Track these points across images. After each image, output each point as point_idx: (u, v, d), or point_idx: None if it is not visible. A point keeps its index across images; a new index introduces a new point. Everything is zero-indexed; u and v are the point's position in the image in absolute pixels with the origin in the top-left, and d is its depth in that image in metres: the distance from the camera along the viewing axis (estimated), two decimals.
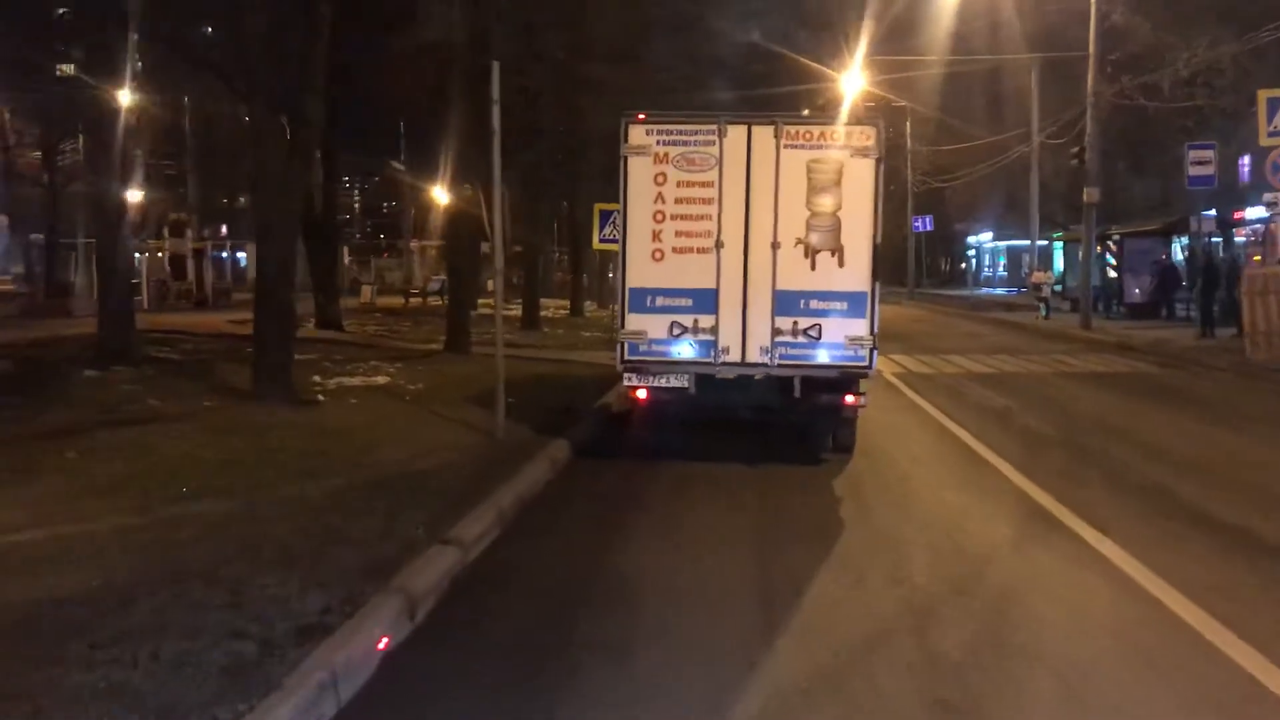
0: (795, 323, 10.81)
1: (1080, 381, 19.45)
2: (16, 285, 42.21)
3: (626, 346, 11.04)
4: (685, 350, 10.97)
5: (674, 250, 10.94)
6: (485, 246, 50.84)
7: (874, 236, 10.78)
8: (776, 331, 10.83)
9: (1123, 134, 39.09)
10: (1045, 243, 45.78)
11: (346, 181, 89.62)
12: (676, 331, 10.94)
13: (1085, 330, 29.73)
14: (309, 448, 10.79)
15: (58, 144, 37.91)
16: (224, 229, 64.65)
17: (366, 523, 7.87)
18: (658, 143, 10.90)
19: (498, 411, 11.91)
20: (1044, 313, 34.89)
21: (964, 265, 77.45)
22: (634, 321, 11.01)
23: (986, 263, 71.70)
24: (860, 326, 10.79)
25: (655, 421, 11.75)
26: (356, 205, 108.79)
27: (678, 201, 10.90)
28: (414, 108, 27.42)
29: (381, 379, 16.94)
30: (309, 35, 13.19)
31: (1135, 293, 34.81)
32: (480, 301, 43.73)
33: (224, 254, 55.15)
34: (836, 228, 10.78)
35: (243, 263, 62.60)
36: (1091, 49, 31.00)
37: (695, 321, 10.92)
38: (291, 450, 10.64)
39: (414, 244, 57.04)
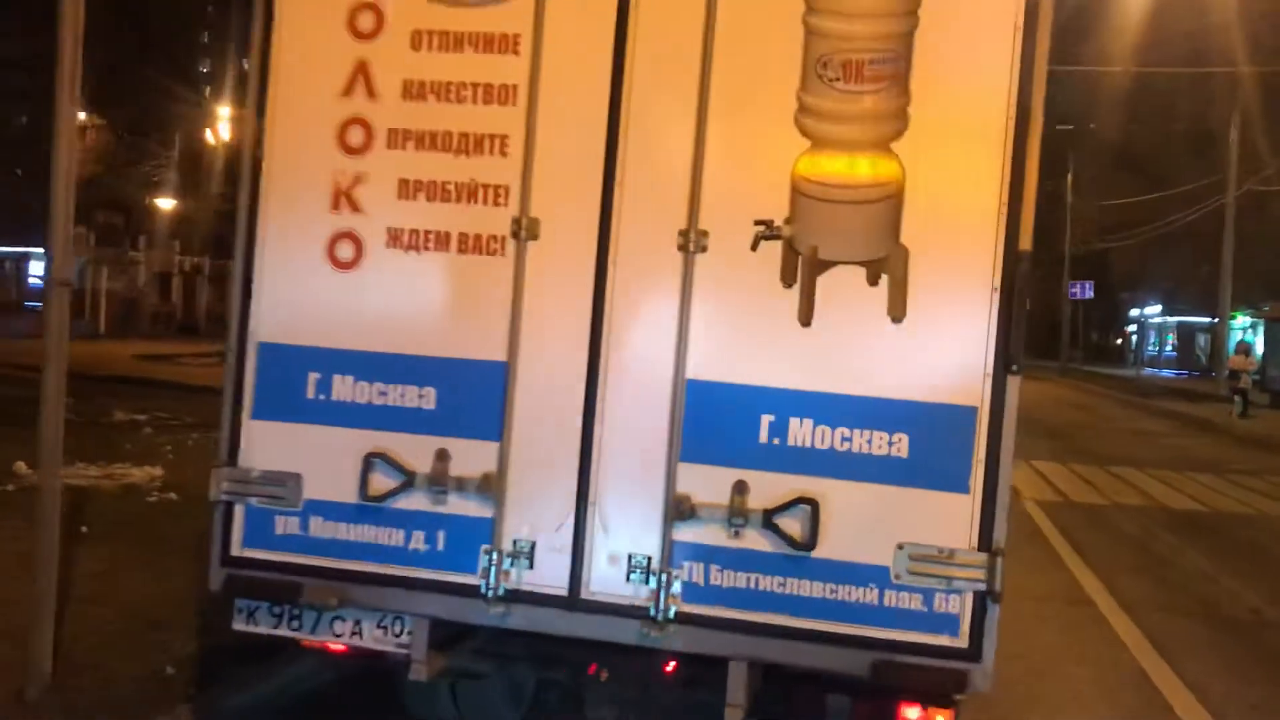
0: (739, 486, 3.41)
1: None
2: None
3: (243, 517, 3.71)
4: (408, 541, 3.60)
5: (393, 241, 3.66)
6: None
7: (1005, 231, 3.37)
8: (682, 510, 3.44)
9: None
10: (1216, 319, 39.33)
11: None
12: (385, 484, 3.64)
13: None
14: None
15: None
16: None
17: None
18: None
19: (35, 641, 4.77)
20: (1240, 408, 27.42)
21: (1120, 341, 69.07)
22: (264, 441, 3.78)
23: (1151, 339, 63.34)
24: (954, 514, 3.42)
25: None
26: None
27: (412, 93, 3.69)
28: None
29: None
30: None
31: None
32: None
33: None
34: (892, 206, 3.44)
35: None
36: None
37: (440, 457, 3.57)
38: None
39: None
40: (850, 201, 3.44)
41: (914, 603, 3.41)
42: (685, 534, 3.52)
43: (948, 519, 3.39)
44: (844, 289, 3.46)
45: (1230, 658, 7.18)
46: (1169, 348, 61.05)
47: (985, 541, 3.37)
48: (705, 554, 3.52)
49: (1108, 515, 12.48)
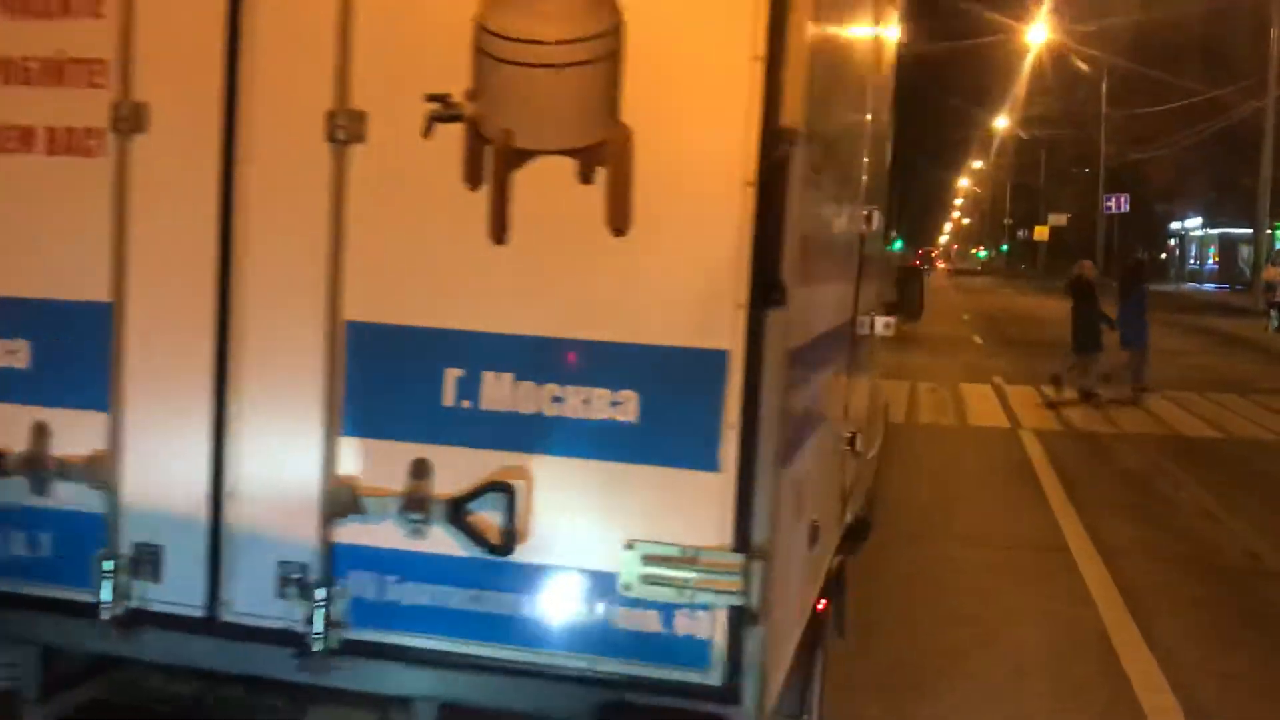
0: (419, 467, 2.51)
1: None
2: None
3: None
4: (3, 545, 2.78)
5: None
6: None
7: (762, 101, 2.37)
8: (343, 501, 2.60)
9: None
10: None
11: None
12: None
13: None
14: None
15: None
16: None
17: None
18: None
19: None
20: (1275, 322, 26.79)
21: (1164, 255, 67.24)
22: None
23: (1192, 253, 61.34)
24: (700, 500, 2.43)
25: None
26: None
27: None
28: None
29: None
30: None
31: None
32: None
33: None
34: (608, 69, 2.44)
35: None
36: None
37: (38, 433, 2.71)
38: None
39: None
40: (551, 64, 2.42)
41: (650, 623, 2.44)
42: (350, 534, 2.57)
43: (692, 507, 2.41)
44: (549, 190, 2.45)
45: (1213, 614, 6.24)
46: (1210, 261, 59.06)
47: (743, 538, 2.39)
48: (377, 560, 2.56)
49: (1111, 445, 11.45)
